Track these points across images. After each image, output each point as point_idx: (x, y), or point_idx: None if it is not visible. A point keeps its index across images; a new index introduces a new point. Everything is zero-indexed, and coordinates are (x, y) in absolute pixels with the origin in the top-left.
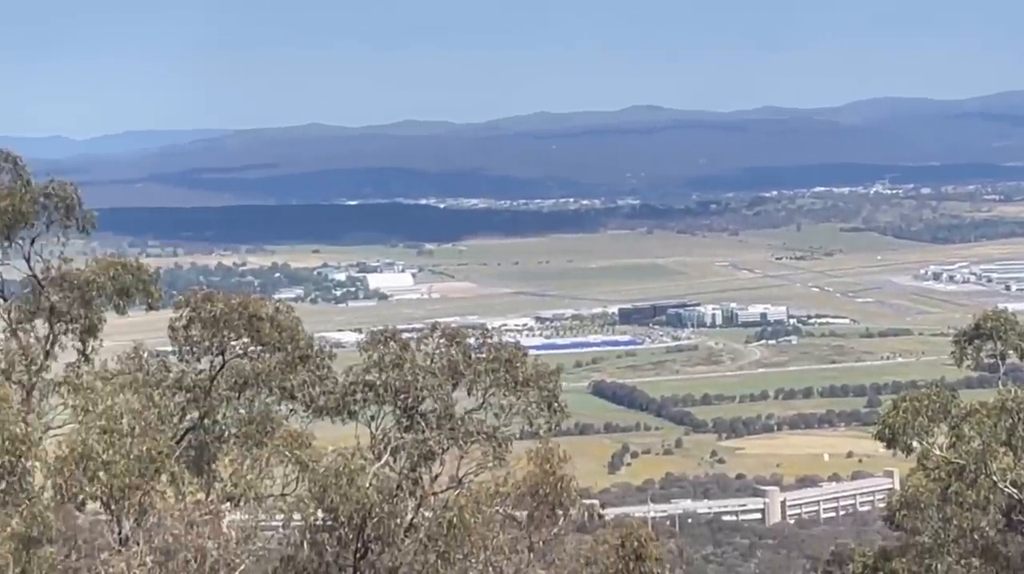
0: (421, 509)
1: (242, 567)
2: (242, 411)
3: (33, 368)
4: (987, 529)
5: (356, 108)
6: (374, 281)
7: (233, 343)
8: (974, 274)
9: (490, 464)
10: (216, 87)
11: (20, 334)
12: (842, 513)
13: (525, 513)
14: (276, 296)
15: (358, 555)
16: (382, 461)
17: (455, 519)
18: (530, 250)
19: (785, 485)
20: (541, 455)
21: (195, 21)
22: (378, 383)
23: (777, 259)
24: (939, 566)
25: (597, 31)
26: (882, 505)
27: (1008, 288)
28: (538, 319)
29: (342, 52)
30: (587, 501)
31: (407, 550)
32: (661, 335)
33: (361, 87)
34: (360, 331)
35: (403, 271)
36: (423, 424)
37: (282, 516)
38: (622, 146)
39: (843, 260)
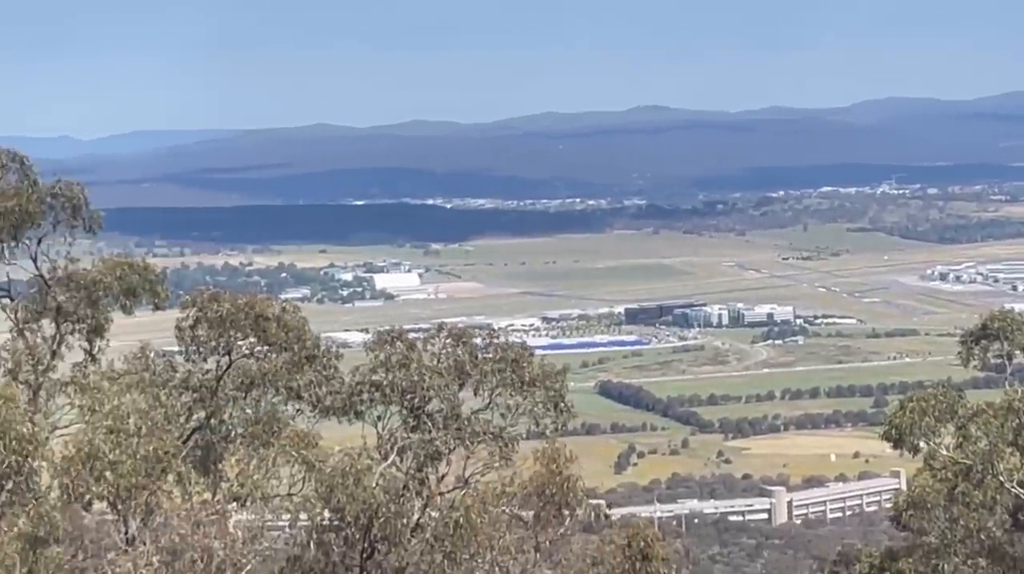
0: (427, 509)
1: (248, 567)
2: (248, 411)
3: (40, 368)
4: (994, 529)
5: (363, 108)
6: (381, 281)
7: (240, 343)
8: (981, 274)
9: (496, 464)
10: (223, 87)
11: (27, 334)
12: (849, 513)
13: (531, 513)
14: (283, 296)
15: (364, 555)
16: (388, 461)
17: (461, 519)
18: (537, 250)
19: (792, 485)
20: (547, 455)
21: (203, 21)
22: (385, 383)
23: (784, 259)
24: (946, 566)
25: (604, 31)
26: (889, 505)
27: (1015, 288)
28: (544, 319)
29: (349, 52)
30: (593, 501)
31: (413, 550)
32: (667, 335)
33: (368, 87)
34: (367, 331)
35: (410, 271)
36: (430, 424)
37: (288, 516)
38: (629, 146)
39: (850, 260)
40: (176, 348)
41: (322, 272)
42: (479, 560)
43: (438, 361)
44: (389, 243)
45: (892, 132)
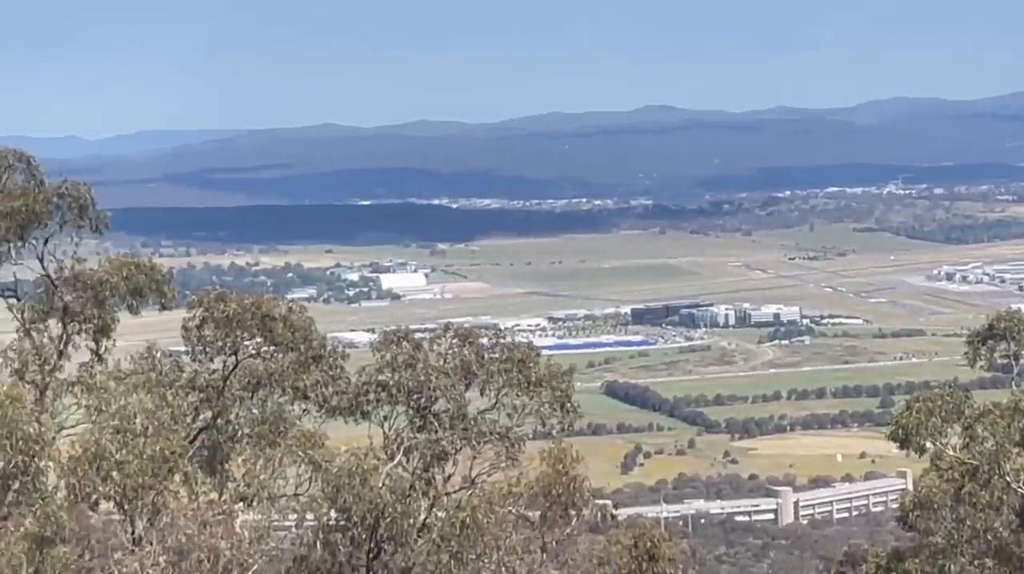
0: (434, 509)
1: (255, 567)
2: (255, 411)
3: (47, 368)
4: (1000, 530)
5: (369, 108)
6: (387, 281)
7: (246, 343)
8: (987, 274)
9: (503, 464)
10: (229, 87)
11: (34, 334)
12: (855, 514)
13: (538, 513)
14: (289, 296)
15: (371, 555)
16: (395, 461)
17: (468, 519)
18: (543, 250)
19: (798, 485)
20: (554, 455)
21: (209, 21)
22: (391, 383)
23: (790, 259)
24: (952, 567)
25: (610, 31)
26: (895, 506)
27: (1021, 288)
28: (551, 319)
29: (355, 52)
30: (600, 501)
31: (420, 550)
32: (674, 335)
33: (374, 87)
34: (373, 331)
35: (416, 271)
36: (436, 424)
37: (295, 516)
38: (635, 146)
39: (856, 260)
40: (183, 348)
41: (328, 272)
42: (485, 560)
43: (444, 361)
44: (395, 243)
45: (898, 132)
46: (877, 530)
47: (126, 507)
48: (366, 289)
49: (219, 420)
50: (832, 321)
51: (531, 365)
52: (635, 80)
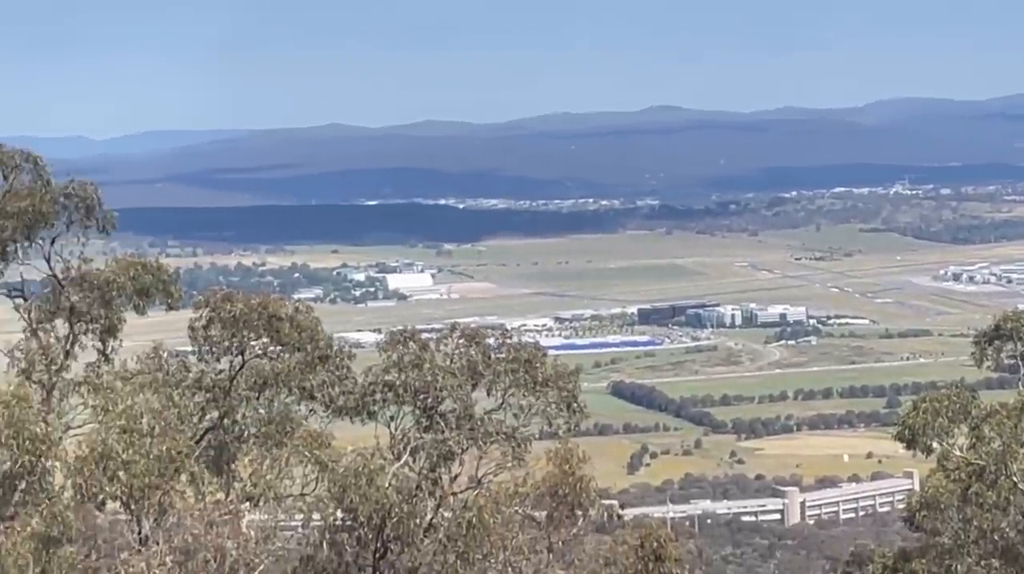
0: (440, 509)
1: (261, 567)
2: (262, 411)
3: (53, 368)
4: (1007, 530)
5: (376, 108)
6: (393, 281)
7: (253, 343)
8: (994, 275)
9: (509, 464)
10: (236, 87)
11: (40, 334)
12: (862, 514)
13: (544, 513)
14: (295, 296)
15: (377, 555)
16: (402, 461)
17: (474, 519)
18: (549, 250)
19: (804, 486)
20: (560, 455)
21: (216, 21)
22: (397, 383)
23: (796, 259)
24: (959, 567)
25: (616, 31)
26: (902, 506)
27: None
28: (557, 319)
29: (362, 52)
30: (606, 501)
31: (426, 550)
32: (680, 335)
33: (381, 87)
34: (379, 331)
35: (422, 271)
36: (442, 424)
37: (301, 516)
38: (641, 146)
39: (862, 261)
40: (189, 348)
41: (335, 272)
42: (492, 560)
43: (451, 361)
44: (401, 243)
45: (905, 132)
46: (884, 530)
47: (133, 507)
48: (372, 289)
49: (225, 420)
50: (839, 321)
51: (537, 365)
52: (641, 80)
